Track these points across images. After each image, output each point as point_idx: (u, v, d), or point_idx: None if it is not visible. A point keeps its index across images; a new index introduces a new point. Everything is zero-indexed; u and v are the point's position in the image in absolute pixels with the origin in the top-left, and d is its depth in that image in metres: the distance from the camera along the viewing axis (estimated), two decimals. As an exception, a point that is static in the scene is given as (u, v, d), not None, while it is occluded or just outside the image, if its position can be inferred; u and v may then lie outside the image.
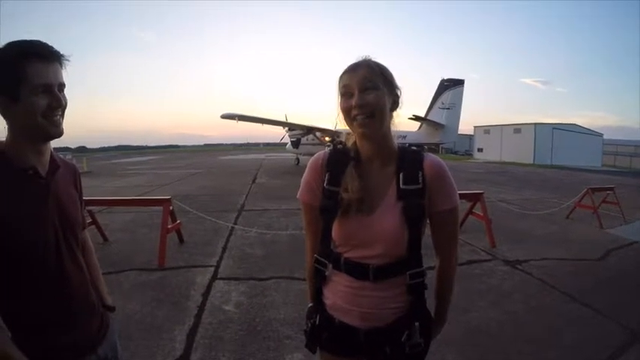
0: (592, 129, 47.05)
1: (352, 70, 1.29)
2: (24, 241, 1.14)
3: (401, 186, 1.30)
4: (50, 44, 1.17)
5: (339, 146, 1.42)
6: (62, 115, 1.21)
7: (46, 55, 1.14)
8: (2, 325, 1.08)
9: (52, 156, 1.28)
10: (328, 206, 1.34)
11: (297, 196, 1.45)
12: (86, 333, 1.31)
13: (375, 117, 1.25)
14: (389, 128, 1.34)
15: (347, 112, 1.28)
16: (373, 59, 1.31)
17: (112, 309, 1.50)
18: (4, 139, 1.20)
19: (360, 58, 1.31)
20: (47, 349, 1.19)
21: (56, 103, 1.16)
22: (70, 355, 1.26)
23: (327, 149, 1.44)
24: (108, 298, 1.50)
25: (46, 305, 1.20)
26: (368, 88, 1.24)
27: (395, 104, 1.33)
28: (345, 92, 1.28)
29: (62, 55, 1.18)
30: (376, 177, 1.34)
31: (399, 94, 1.33)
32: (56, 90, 1.16)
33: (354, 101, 1.24)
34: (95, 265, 1.53)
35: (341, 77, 1.31)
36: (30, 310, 1.18)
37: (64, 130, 1.22)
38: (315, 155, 1.45)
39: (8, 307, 1.13)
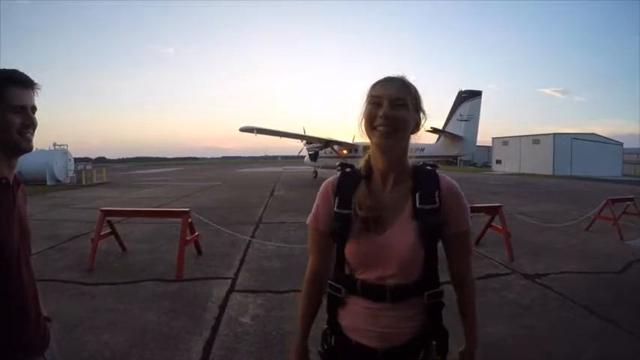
0: (612, 138, 46.18)
1: (387, 81, 1.29)
2: None
3: (417, 205, 1.28)
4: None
5: (348, 169, 1.41)
6: (32, 134, 1.38)
7: (24, 82, 1.33)
8: None
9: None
10: (339, 229, 1.32)
11: (307, 222, 1.44)
12: (36, 336, 1.42)
13: (397, 133, 1.25)
14: (406, 148, 1.34)
15: (370, 120, 1.27)
16: (407, 78, 1.31)
17: (49, 319, 1.58)
18: None
19: (395, 74, 1.32)
20: (5, 347, 1.30)
21: (29, 122, 1.34)
22: (23, 355, 1.36)
23: (337, 173, 1.43)
24: (44, 310, 1.59)
25: (7, 308, 1.29)
26: (398, 104, 1.24)
27: (416, 128, 1.33)
28: (374, 102, 1.27)
29: (36, 84, 1.37)
30: (390, 195, 1.32)
31: (422, 118, 1.33)
32: (29, 111, 1.34)
33: (381, 112, 1.24)
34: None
35: (373, 86, 1.30)
36: None
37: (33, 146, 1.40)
38: (325, 182, 1.43)
39: None
